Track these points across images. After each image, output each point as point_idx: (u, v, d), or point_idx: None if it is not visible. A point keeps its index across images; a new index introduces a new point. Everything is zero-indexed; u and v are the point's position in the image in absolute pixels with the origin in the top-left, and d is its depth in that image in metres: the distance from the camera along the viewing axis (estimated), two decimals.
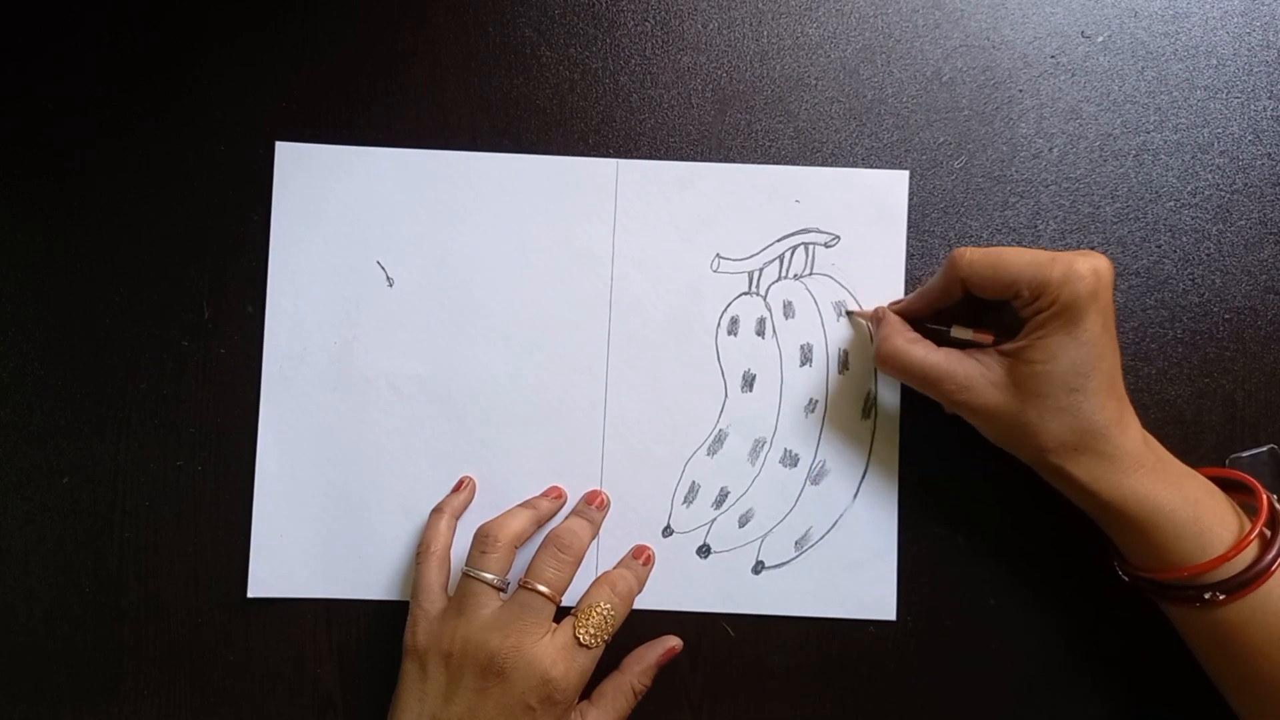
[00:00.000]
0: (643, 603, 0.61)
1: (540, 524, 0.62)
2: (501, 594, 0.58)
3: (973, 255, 0.56)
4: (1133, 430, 0.55)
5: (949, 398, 0.57)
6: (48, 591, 0.63)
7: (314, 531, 0.63)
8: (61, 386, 0.63)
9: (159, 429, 0.63)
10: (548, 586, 0.57)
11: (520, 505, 0.62)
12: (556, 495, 0.63)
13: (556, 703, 0.55)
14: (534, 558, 0.59)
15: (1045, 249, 0.59)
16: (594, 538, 0.62)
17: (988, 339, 0.57)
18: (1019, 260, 0.54)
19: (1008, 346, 0.56)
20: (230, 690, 0.63)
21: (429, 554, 0.60)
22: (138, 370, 0.64)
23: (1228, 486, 0.57)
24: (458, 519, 0.62)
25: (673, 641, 0.62)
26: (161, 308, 0.64)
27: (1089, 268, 0.53)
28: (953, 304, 0.58)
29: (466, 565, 0.58)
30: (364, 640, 0.63)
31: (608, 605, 0.58)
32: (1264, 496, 0.55)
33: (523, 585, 0.57)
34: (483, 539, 0.59)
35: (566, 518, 0.62)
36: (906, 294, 0.63)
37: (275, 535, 0.63)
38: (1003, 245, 0.62)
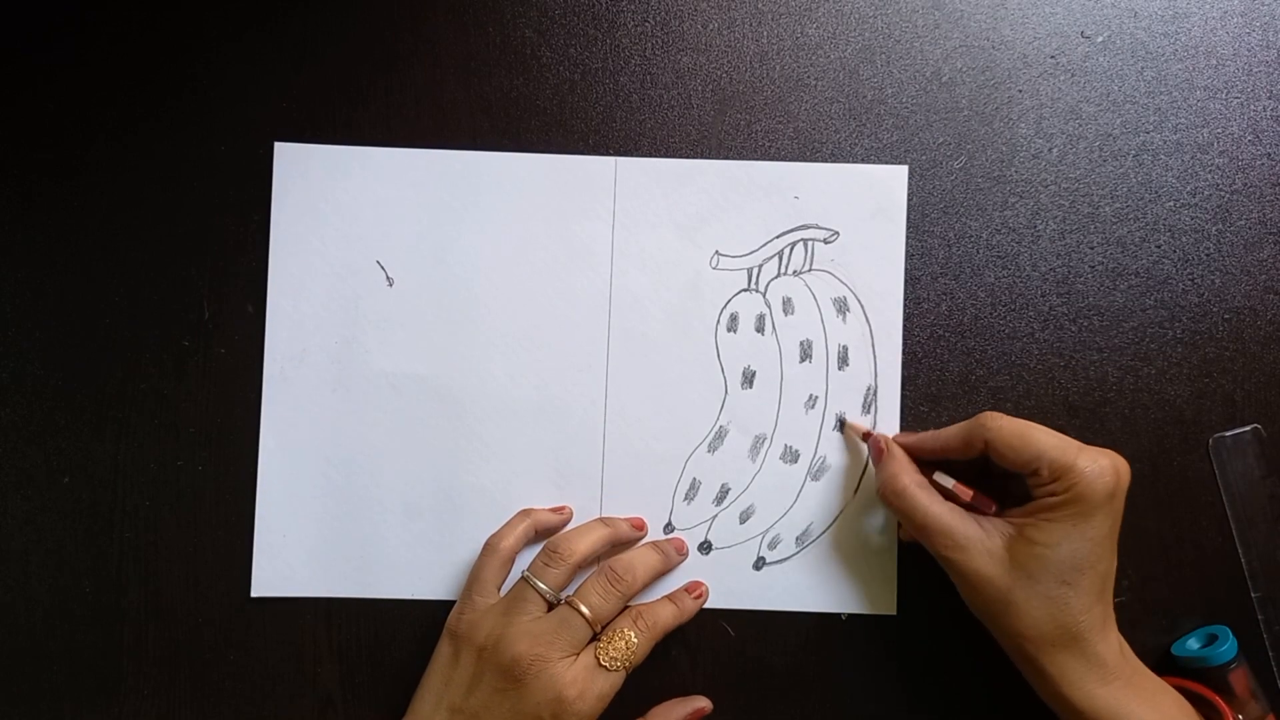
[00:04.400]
0: (646, 599, 0.62)
1: (616, 545, 0.62)
2: (551, 607, 0.59)
3: (1002, 422, 0.56)
4: (1112, 638, 0.55)
5: (940, 551, 0.56)
6: (48, 591, 0.63)
7: (316, 531, 0.63)
8: (61, 386, 0.63)
9: (159, 429, 0.63)
10: (590, 611, 0.58)
11: (599, 521, 0.62)
12: (639, 525, 0.63)
13: None
14: (587, 578, 0.59)
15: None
16: (661, 574, 0.62)
17: (967, 494, 0.57)
18: (1046, 439, 0.54)
19: (1013, 517, 0.56)
20: (230, 690, 0.63)
21: (495, 551, 0.60)
22: (138, 370, 0.64)
23: (1193, 699, 0.58)
24: (539, 532, 0.62)
25: (701, 702, 0.62)
26: (161, 308, 0.64)
27: (1111, 466, 0.54)
28: (961, 459, 0.58)
29: (528, 570, 0.59)
30: (364, 640, 0.63)
31: (634, 636, 0.58)
32: (1229, 715, 0.57)
33: (567, 602, 0.58)
34: (551, 552, 0.60)
35: (639, 547, 0.62)
36: (908, 290, 0.63)
37: (278, 535, 0.63)
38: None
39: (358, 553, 0.63)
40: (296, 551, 0.63)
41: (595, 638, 0.58)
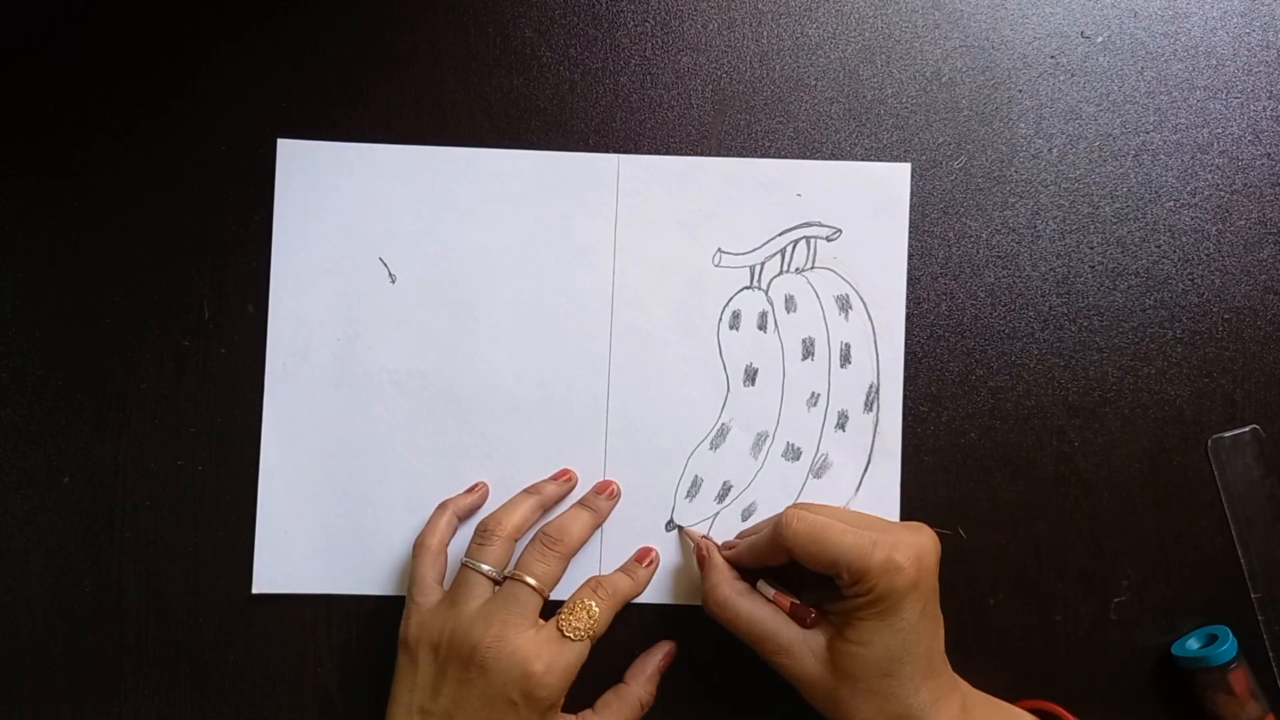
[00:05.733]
0: (646, 597, 0.62)
1: (546, 509, 0.62)
2: (497, 586, 0.58)
3: (797, 525, 0.55)
4: (950, 708, 0.54)
5: (767, 657, 0.56)
6: (48, 591, 0.63)
7: (318, 527, 0.63)
8: (61, 386, 0.63)
9: (159, 429, 0.63)
10: (535, 579, 0.57)
11: (525, 492, 0.62)
12: (566, 478, 0.63)
13: (539, 699, 0.55)
14: (523, 550, 0.59)
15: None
16: (596, 527, 0.62)
17: (785, 604, 0.57)
18: (842, 541, 0.53)
19: (833, 614, 0.55)
20: (230, 690, 0.63)
21: (424, 548, 0.60)
22: (138, 370, 0.63)
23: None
24: (461, 519, 0.62)
25: (668, 645, 0.62)
26: (161, 308, 0.64)
27: (911, 558, 0.53)
28: (777, 564, 0.57)
29: (465, 556, 0.59)
30: (365, 639, 0.63)
31: (594, 605, 0.58)
32: None
33: (510, 576, 0.58)
34: (482, 531, 0.59)
35: (567, 509, 0.62)
36: (908, 290, 0.63)
37: (280, 531, 0.63)
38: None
39: (359, 549, 0.63)
40: (298, 548, 0.63)
41: (557, 613, 0.58)
